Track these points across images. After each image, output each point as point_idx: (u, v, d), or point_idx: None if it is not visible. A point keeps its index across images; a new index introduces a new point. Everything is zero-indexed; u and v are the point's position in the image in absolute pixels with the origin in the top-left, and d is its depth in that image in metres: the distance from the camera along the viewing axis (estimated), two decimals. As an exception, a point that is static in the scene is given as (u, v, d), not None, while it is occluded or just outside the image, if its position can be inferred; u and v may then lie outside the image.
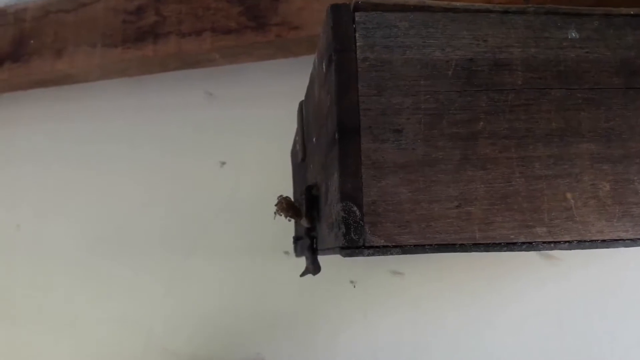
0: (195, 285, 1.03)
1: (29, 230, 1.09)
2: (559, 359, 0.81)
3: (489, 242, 0.37)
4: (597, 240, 0.39)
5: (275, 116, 0.99)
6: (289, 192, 0.81)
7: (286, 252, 0.94)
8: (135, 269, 1.05)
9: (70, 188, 1.09)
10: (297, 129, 0.72)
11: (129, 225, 1.06)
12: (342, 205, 0.37)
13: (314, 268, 0.52)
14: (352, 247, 0.36)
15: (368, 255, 0.37)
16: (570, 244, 0.39)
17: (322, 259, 0.55)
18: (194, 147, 1.05)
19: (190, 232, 1.04)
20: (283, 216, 0.52)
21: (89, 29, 0.98)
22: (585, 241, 0.39)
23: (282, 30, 0.85)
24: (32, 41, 1.02)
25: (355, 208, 0.37)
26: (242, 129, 1.03)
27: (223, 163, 1.03)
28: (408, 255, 0.39)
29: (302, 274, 0.54)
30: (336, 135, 0.38)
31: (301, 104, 0.66)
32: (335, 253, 0.40)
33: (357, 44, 0.38)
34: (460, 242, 0.37)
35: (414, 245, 0.37)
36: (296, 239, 0.55)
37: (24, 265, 1.09)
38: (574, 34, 0.41)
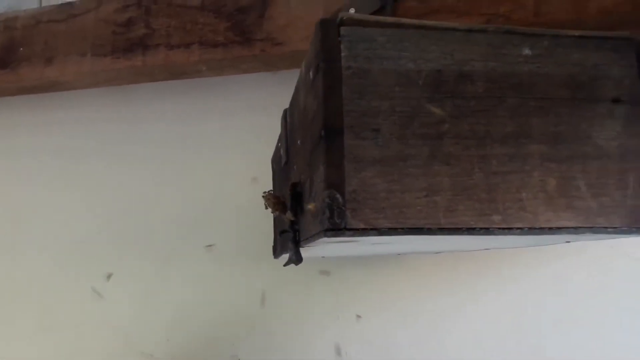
0: (172, 288, 1.06)
1: (3, 237, 1.12)
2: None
3: (451, 227, 0.43)
4: (545, 228, 0.45)
5: (258, 126, 1.05)
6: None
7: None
8: (112, 272, 1.07)
9: (53, 194, 1.12)
10: (281, 135, 0.77)
11: (105, 231, 1.09)
12: (328, 192, 0.42)
13: (296, 258, 0.57)
14: (335, 229, 0.42)
15: (349, 236, 0.42)
16: (522, 230, 0.45)
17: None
18: (178, 156, 1.09)
19: (169, 236, 1.07)
20: (270, 210, 0.57)
21: (79, 38, 1.02)
22: (535, 228, 0.45)
23: (267, 46, 0.91)
24: (22, 48, 1.05)
25: (338, 195, 0.42)
26: (224, 139, 1.08)
27: (207, 171, 1.08)
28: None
29: (286, 264, 0.59)
30: (322, 133, 0.43)
31: (285, 112, 0.72)
32: (318, 238, 0.45)
33: (342, 54, 0.44)
34: (427, 226, 0.43)
35: (389, 229, 0.42)
36: (281, 232, 0.60)
37: None
38: (527, 51, 0.48)
